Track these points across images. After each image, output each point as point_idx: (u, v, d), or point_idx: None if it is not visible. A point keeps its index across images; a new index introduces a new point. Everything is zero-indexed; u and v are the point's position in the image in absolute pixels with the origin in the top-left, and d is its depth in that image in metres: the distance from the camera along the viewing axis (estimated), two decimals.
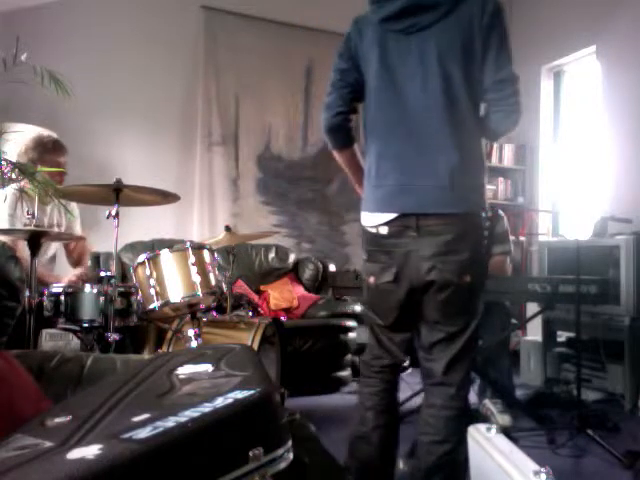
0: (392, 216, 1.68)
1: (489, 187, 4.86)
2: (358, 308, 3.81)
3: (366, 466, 1.81)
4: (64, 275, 3.00)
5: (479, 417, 2.51)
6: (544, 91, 5.08)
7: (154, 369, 1.04)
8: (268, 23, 4.87)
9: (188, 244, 2.28)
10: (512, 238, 3.61)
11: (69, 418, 0.88)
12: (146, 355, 2.30)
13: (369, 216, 1.76)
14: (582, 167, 4.81)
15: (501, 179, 5.19)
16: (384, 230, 1.71)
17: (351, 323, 3.70)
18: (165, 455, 0.70)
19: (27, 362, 1.28)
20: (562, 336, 4.07)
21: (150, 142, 4.54)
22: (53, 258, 3.13)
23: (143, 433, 0.71)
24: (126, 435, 0.71)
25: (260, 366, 0.97)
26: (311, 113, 4.99)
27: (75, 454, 0.69)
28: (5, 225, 2.72)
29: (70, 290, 2.38)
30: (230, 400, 0.78)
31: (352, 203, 4.95)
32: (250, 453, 0.75)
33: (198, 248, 2.28)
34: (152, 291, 2.18)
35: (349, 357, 3.75)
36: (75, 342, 2.45)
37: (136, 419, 0.77)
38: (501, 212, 3.33)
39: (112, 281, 2.35)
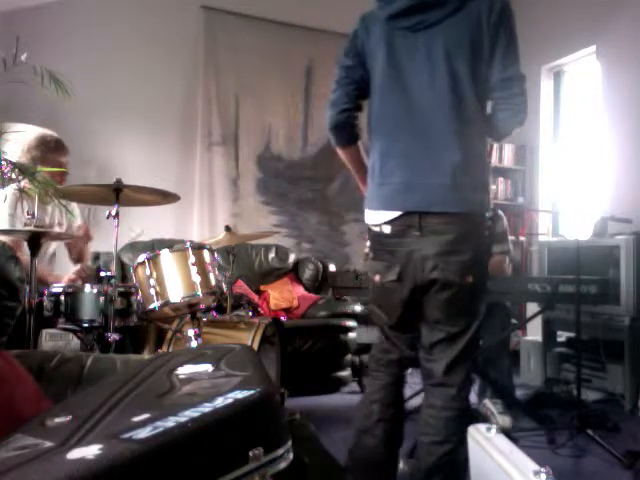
0: (396, 214, 1.68)
1: None
2: (358, 308, 3.81)
3: (369, 460, 1.81)
4: (64, 274, 3.00)
5: (479, 417, 2.52)
6: (544, 91, 5.08)
7: (154, 369, 1.04)
8: (268, 23, 4.87)
9: (188, 244, 2.28)
10: (512, 238, 3.62)
11: (69, 418, 0.88)
12: (146, 355, 2.30)
13: (373, 214, 1.76)
14: (582, 167, 4.81)
15: (501, 179, 5.19)
16: (387, 229, 1.70)
17: (351, 323, 3.69)
18: (165, 455, 0.70)
19: (27, 362, 1.28)
20: (562, 336, 4.07)
21: (150, 142, 4.54)
22: (53, 256, 3.13)
23: (143, 433, 0.71)
24: (126, 435, 0.71)
25: (260, 366, 0.97)
26: (311, 113, 4.98)
27: (75, 454, 0.69)
28: (5, 225, 2.72)
29: (70, 290, 2.38)
30: (230, 400, 0.78)
31: (352, 203, 4.96)
32: (250, 453, 0.75)
33: (198, 248, 2.28)
34: (152, 291, 2.18)
35: (349, 357, 3.75)
36: (75, 342, 2.45)
37: (136, 419, 0.77)
38: (500, 212, 3.33)
39: (112, 281, 2.34)
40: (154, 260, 2.21)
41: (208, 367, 1.00)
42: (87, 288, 2.40)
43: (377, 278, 1.76)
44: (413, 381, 2.24)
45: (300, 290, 4.22)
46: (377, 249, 1.76)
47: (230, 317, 2.64)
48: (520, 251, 4.89)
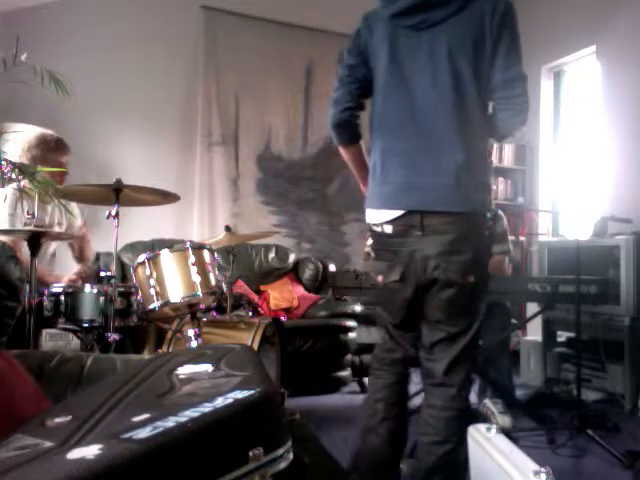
0: (397, 213, 1.68)
1: None
2: (358, 308, 3.81)
3: (374, 460, 1.80)
4: (64, 274, 3.00)
5: (479, 417, 2.52)
6: (544, 91, 5.08)
7: (154, 369, 1.04)
8: (268, 23, 4.87)
9: (188, 244, 2.28)
10: (512, 238, 3.62)
11: (69, 418, 0.88)
12: (146, 355, 2.30)
13: (374, 213, 1.75)
14: (582, 167, 4.81)
15: (501, 179, 5.19)
16: (389, 229, 1.70)
17: (351, 323, 3.70)
18: (165, 455, 0.70)
19: (27, 362, 1.28)
20: (562, 336, 4.07)
21: (150, 142, 4.54)
22: (53, 256, 3.13)
23: (143, 433, 0.71)
24: (126, 435, 0.71)
25: (260, 366, 0.97)
26: (311, 113, 4.98)
27: (75, 454, 0.69)
28: (5, 225, 2.72)
29: (70, 290, 2.38)
30: (230, 400, 0.78)
31: (352, 203, 4.96)
32: (250, 453, 0.75)
33: (198, 248, 2.28)
34: (152, 291, 2.18)
35: (349, 357, 3.75)
36: (75, 342, 2.45)
37: (136, 419, 0.77)
38: (500, 212, 3.33)
39: (112, 281, 2.34)
40: (154, 260, 2.21)
41: (208, 367, 1.00)
42: (87, 288, 2.40)
43: (380, 278, 1.76)
44: (413, 381, 2.25)
45: (300, 290, 4.22)
46: (379, 249, 1.76)
47: (230, 317, 2.64)
48: (520, 251, 4.89)
